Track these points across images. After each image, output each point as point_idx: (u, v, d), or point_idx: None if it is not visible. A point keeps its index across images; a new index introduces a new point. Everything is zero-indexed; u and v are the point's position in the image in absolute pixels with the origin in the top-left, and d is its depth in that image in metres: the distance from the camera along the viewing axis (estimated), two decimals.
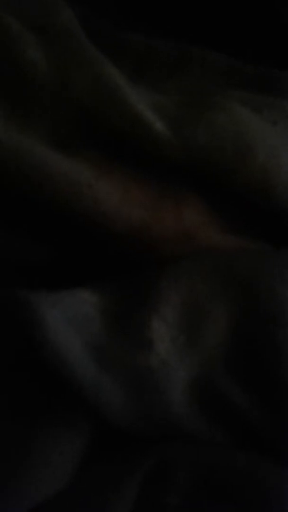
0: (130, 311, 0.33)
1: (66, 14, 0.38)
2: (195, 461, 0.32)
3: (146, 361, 0.32)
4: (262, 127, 0.37)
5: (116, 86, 0.36)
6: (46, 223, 0.35)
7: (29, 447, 0.30)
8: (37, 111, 0.36)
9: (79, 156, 0.35)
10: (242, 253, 0.36)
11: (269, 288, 0.34)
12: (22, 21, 0.37)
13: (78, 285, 0.34)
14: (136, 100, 0.35)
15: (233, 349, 0.33)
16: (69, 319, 0.32)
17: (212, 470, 0.32)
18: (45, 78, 0.36)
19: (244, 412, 0.33)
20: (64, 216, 0.35)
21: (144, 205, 0.35)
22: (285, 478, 0.32)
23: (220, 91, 0.38)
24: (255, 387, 0.33)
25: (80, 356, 0.31)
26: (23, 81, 0.36)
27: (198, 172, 0.36)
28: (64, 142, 0.36)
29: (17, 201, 0.34)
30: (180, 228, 0.36)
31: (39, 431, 0.31)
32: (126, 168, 0.36)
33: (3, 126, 0.35)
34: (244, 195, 0.36)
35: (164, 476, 0.32)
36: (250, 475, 0.32)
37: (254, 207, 0.36)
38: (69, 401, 0.31)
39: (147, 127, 0.35)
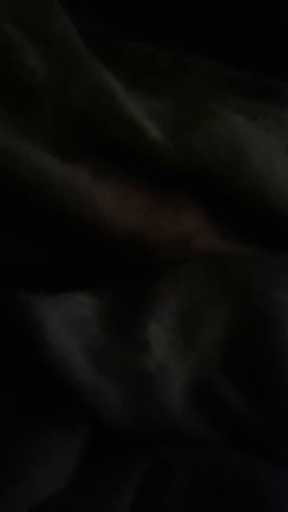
0: (128, 315, 0.34)
1: (64, 21, 0.38)
2: (192, 463, 0.32)
3: (144, 364, 0.32)
4: (257, 134, 0.37)
5: (113, 93, 0.36)
6: (45, 226, 0.35)
7: (28, 449, 0.30)
8: (36, 117, 0.36)
9: (77, 161, 0.35)
10: (239, 258, 0.36)
11: (265, 292, 0.34)
12: (20, 28, 0.37)
13: (76, 288, 0.34)
14: (133, 107, 0.36)
15: (230, 353, 0.33)
16: (68, 322, 0.32)
17: (209, 472, 0.32)
18: (44, 84, 0.36)
19: (241, 414, 0.33)
20: (62, 220, 0.35)
21: (142, 210, 0.36)
22: (282, 480, 0.32)
23: (216, 98, 0.39)
24: (252, 390, 0.33)
25: (78, 358, 0.31)
26: (22, 88, 0.36)
27: (195, 178, 0.36)
28: (63, 148, 0.36)
29: (16, 204, 0.35)
30: (178, 233, 0.36)
31: (38, 433, 0.31)
32: (124, 173, 0.36)
33: (2, 131, 0.35)
34: (239, 201, 0.36)
35: (162, 478, 0.32)
36: (247, 477, 0.32)
37: (250, 213, 0.36)
38: (68, 403, 0.31)
39: (144, 134, 0.35)
